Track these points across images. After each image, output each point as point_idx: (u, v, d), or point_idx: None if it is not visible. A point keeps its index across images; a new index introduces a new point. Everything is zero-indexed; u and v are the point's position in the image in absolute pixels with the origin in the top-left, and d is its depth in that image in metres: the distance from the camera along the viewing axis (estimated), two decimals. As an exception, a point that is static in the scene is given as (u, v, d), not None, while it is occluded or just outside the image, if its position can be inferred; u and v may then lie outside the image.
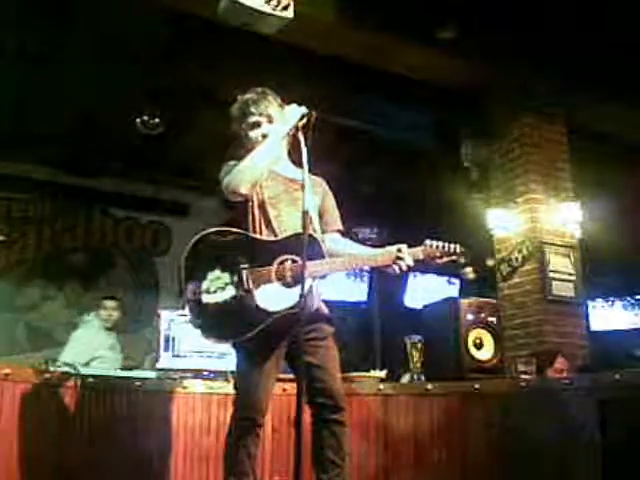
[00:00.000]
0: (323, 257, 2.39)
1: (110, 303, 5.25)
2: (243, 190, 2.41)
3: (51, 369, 3.11)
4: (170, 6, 3.91)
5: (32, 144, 5.71)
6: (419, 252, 2.51)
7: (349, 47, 4.39)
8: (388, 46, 4.42)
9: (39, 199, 6.31)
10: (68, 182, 6.30)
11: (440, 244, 2.52)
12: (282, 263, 2.39)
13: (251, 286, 2.35)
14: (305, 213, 2.22)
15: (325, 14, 4.12)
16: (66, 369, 3.13)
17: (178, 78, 4.74)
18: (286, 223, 2.48)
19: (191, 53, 4.44)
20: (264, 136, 2.55)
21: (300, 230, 2.37)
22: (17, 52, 4.41)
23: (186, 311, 2.47)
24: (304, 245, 2.19)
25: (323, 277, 2.43)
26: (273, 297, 2.35)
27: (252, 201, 2.50)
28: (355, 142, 5.76)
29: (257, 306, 2.34)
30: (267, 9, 3.47)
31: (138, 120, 5.07)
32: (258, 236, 2.46)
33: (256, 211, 2.50)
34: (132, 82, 4.75)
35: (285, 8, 3.51)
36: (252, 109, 2.56)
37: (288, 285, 2.37)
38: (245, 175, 2.42)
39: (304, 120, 2.32)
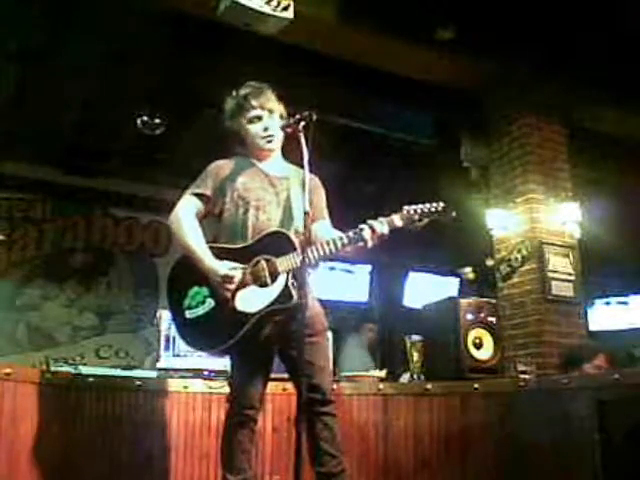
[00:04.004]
0: (295, 250, 2.40)
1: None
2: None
3: (52, 369, 3.12)
4: (171, 6, 3.92)
5: (33, 144, 5.71)
6: (396, 219, 2.40)
7: (349, 47, 4.39)
8: (388, 46, 4.42)
9: (40, 199, 6.31)
10: (69, 182, 6.30)
11: (419, 207, 2.40)
12: (256, 264, 2.42)
13: (227, 293, 2.39)
14: (306, 214, 2.24)
15: (325, 15, 4.12)
16: (67, 369, 3.14)
17: (179, 78, 4.74)
18: (274, 225, 2.51)
19: (192, 53, 4.45)
20: (266, 129, 2.56)
21: (280, 229, 2.46)
22: (17, 51, 4.41)
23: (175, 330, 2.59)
24: (305, 246, 2.22)
25: (304, 269, 2.34)
26: (251, 299, 2.39)
27: (231, 208, 2.54)
28: (354, 142, 5.76)
29: (236, 311, 2.39)
30: (267, 10, 3.48)
31: (138, 120, 5.08)
32: (229, 245, 2.49)
33: (239, 217, 2.52)
34: (132, 82, 4.76)
35: (285, 9, 3.52)
36: (253, 102, 2.56)
37: (264, 284, 2.40)
38: (174, 227, 2.55)
39: (304, 121, 2.32)
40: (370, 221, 2.38)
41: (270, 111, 2.57)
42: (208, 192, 2.57)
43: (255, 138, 2.59)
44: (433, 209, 2.40)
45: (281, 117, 2.59)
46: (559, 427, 3.24)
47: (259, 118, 2.58)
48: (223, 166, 2.62)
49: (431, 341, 4.02)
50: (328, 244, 2.40)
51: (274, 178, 2.60)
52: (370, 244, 2.36)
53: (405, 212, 2.41)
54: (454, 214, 2.42)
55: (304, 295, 2.21)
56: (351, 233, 2.39)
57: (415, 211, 2.40)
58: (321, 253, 2.39)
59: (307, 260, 2.29)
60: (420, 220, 2.40)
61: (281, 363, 2.59)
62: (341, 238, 2.40)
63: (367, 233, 2.35)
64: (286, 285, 2.38)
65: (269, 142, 2.60)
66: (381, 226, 2.36)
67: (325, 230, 2.58)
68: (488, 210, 4.99)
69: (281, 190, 2.58)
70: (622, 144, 5.61)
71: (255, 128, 2.58)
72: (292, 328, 2.42)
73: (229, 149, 2.70)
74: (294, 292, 2.36)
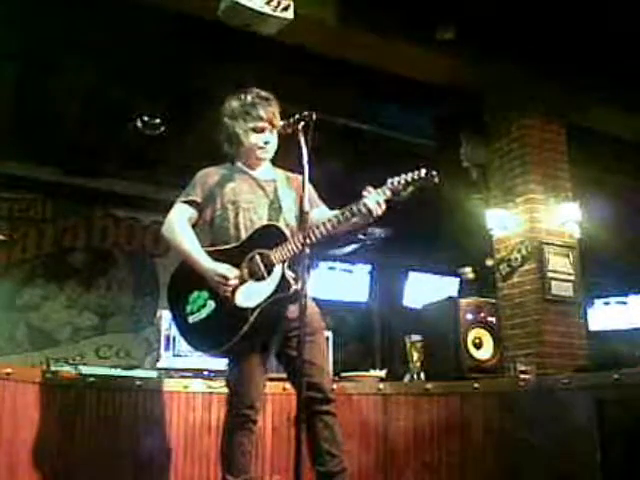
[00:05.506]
0: (287, 240, 2.44)
1: None
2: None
3: (52, 369, 3.13)
4: (171, 7, 3.92)
5: (33, 144, 5.71)
6: (385, 190, 2.43)
7: (349, 48, 4.39)
8: (388, 46, 4.42)
9: (40, 199, 6.31)
10: (69, 182, 6.30)
11: (402, 176, 2.45)
12: (251, 260, 2.45)
13: (227, 293, 2.41)
14: (306, 214, 2.25)
15: (325, 15, 4.12)
16: (67, 368, 3.15)
17: (179, 78, 4.74)
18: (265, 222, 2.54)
19: (192, 53, 4.45)
20: (266, 142, 2.58)
21: (270, 222, 2.51)
22: (18, 52, 4.42)
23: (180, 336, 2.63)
24: (305, 241, 2.23)
25: (300, 261, 2.34)
26: (251, 294, 2.42)
27: (222, 213, 2.57)
28: (354, 142, 5.76)
29: (238, 307, 2.41)
30: (267, 10, 3.48)
31: (138, 120, 5.08)
32: (222, 247, 2.52)
33: (231, 220, 2.54)
34: (133, 82, 4.76)
35: (285, 9, 3.52)
36: (261, 113, 2.56)
37: (261, 278, 2.43)
38: (168, 235, 2.58)
39: (303, 121, 2.32)
40: (367, 191, 2.41)
41: (273, 126, 2.58)
42: (198, 199, 2.61)
43: (253, 147, 2.61)
44: (416, 176, 2.44)
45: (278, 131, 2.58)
46: (559, 427, 3.25)
47: (262, 130, 2.59)
48: (211, 173, 2.66)
49: (431, 341, 4.03)
50: (330, 221, 2.43)
51: (262, 181, 2.64)
52: (370, 213, 2.40)
53: (389, 184, 2.45)
54: (437, 180, 2.45)
55: (303, 294, 2.21)
56: (347, 209, 2.43)
57: (399, 182, 2.44)
58: (323, 232, 2.41)
59: (306, 243, 2.28)
60: (405, 189, 2.43)
61: (279, 363, 2.60)
62: (343, 213, 2.43)
63: (364, 207, 2.39)
64: (283, 274, 2.41)
65: (264, 153, 2.63)
66: (378, 198, 2.40)
67: (322, 214, 2.59)
68: (488, 210, 4.99)
69: (270, 192, 2.62)
70: (622, 144, 5.61)
71: (256, 138, 2.60)
72: (290, 326, 2.43)
73: (219, 146, 2.70)
74: (292, 280, 2.39)
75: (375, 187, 2.44)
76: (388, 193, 2.42)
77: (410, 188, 2.43)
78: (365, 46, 4.40)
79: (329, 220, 2.44)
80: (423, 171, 2.44)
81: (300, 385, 2.14)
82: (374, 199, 2.39)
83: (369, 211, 2.39)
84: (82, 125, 5.43)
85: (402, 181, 2.43)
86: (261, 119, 2.56)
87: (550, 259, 4.56)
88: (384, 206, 2.41)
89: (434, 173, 2.45)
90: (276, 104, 2.61)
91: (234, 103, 2.62)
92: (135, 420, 3.04)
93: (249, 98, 2.59)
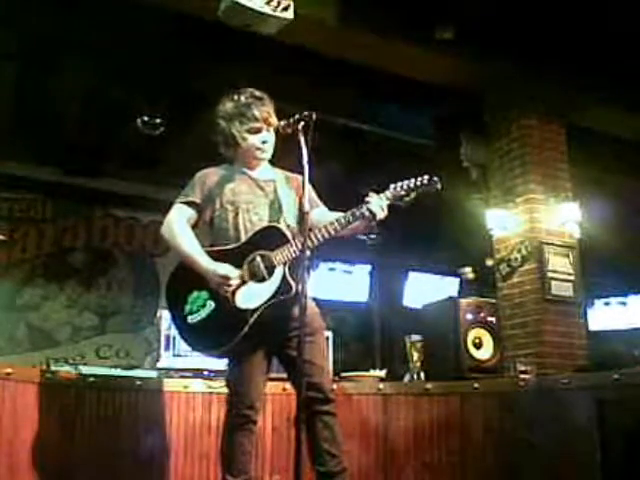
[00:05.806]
0: (288, 242, 2.44)
1: None
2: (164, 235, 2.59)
3: (52, 369, 3.13)
4: (171, 7, 3.92)
5: (33, 144, 5.71)
6: (388, 195, 2.44)
7: (349, 48, 4.39)
8: (388, 46, 4.42)
9: (40, 199, 6.32)
10: (69, 182, 6.30)
11: (405, 182, 2.45)
12: (252, 261, 2.44)
13: (227, 293, 2.40)
14: (306, 214, 2.25)
15: (325, 15, 4.12)
16: (67, 368, 3.15)
17: (179, 78, 4.74)
18: (265, 222, 2.54)
19: (192, 53, 4.45)
20: (263, 142, 2.58)
21: (271, 224, 2.50)
22: (18, 52, 4.42)
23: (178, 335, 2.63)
24: (305, 235, 2.24)
25: (300, 264, 2.33)
26: (251, 295, 2.42)
27: (222, 214, 2.56)
28: (354, 142, 5.76)
29: (238, 308, 2.40)
30: (267, 10, 3.49)
31: (138, 120, 5.08)
32: (222, 247, 2.52)
33: (230, 221, 2.54)
34: (132, 82, 4.76)
35: (285, 9, 3.53)
36: (256, 114, 2.55)
37: (262, 279, 2.42)
38: (167, 236, 2.56)
39: (303, 121, 2.32)
40: (369, 197, 2.41)
41: (270, 125, 2.58)
42: (197, 200, 2.60)
43: (251, 148, 2.61)
44: (419, 183, 2.43)
45: (275, 130, 2.57)
46: (559, 427, 3.25)
47: (259, 130, 2.58)
48: (210, 174, 2.65)
49: (431, 341, 4.03)
50: (332, 224, 2.43)
51: (261, 182, 2.64)
52: (373, 218, 2.40)
53: (392, 189, 2.45)
54: (439, 186, 2.44)
55: (303, 295, 2.21)
56: (350, 213, 2.43)
57: (402, 187, 2.44)
58: (325, 235, 2.41)
59: (308, 245, 2.27)
60: (408, 195, 2.43)
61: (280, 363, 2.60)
62: (346, 216, 2.43)
63: (368, 212, 2.39)
64: (284, 276, 2.41)
65: (263, 153, 2.62)
66: (381, 202, 2.40)
67: (322, 214, 2.59)
68: (488, 210, 4.99)
69: (269, 192, 2.61)
70: (622, 144, 5.61)
71: (253, 139, 2.59)
72: (290, 327, 2.43)
73: (227, 153, 2.70)
74: (293, 283, 2.39)
75: (377, 191, 2.44)
76: (391, 198, 2.43)
77: (413, 194, 2.44)
78: (365, 46, 4.40)
79: (331, 223, 2.43)
80: (426, 177, 2.44)
81: (300, 385, 2.14)
82: (377, 204, 2.39)
83: (372, 215, 2.39)
84: (82, 125, 5.44)
85: (405, 187, 2.43)
86: (256, 119, 2.55)
87: (550, 259, 4.56)
88: (387, 211, 2.41)
89: (436, 179, 2.44)
90: (270, 102, 2.60)
91: (228, 105, 2.61)
92: (135, 420, 3.04)
93: (243, 99, 2.58)
